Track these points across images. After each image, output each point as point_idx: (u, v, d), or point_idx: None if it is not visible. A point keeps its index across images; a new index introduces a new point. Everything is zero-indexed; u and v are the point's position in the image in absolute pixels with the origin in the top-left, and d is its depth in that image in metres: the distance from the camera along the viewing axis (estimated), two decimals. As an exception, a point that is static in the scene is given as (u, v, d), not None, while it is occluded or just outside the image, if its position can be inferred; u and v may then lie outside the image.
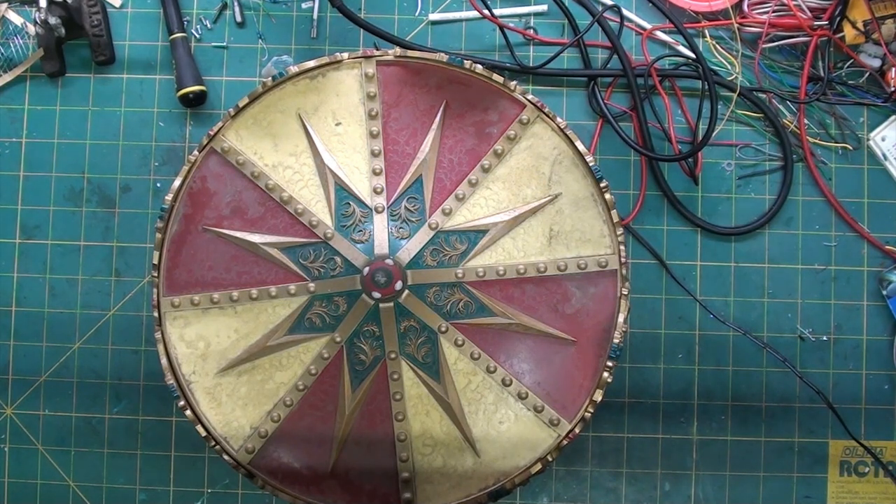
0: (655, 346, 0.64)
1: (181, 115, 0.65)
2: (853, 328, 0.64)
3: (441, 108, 0.59)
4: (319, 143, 0.58)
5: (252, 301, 0.58)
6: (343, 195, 0.58)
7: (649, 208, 0.65)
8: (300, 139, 0.59)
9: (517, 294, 0.58)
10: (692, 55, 0.63)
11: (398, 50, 0.60)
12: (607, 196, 0.58)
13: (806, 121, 0.64)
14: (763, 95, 0.64)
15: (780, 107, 0.65)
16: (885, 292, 0.64)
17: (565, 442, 0.57)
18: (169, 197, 0.58)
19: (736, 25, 0.63)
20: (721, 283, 0.64)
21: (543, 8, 0.65)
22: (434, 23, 0.66)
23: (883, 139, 0.64)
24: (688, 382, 0.64)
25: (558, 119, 0.58)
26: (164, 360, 0.58)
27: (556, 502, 0.65)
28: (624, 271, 0.57)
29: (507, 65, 0.64)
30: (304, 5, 0.66)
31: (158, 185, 0.65)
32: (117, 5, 0.66)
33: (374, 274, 0.56)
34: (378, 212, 0.58)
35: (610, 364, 0.57)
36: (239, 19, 0.65)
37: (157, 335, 0.58)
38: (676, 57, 0.65)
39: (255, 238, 0.58)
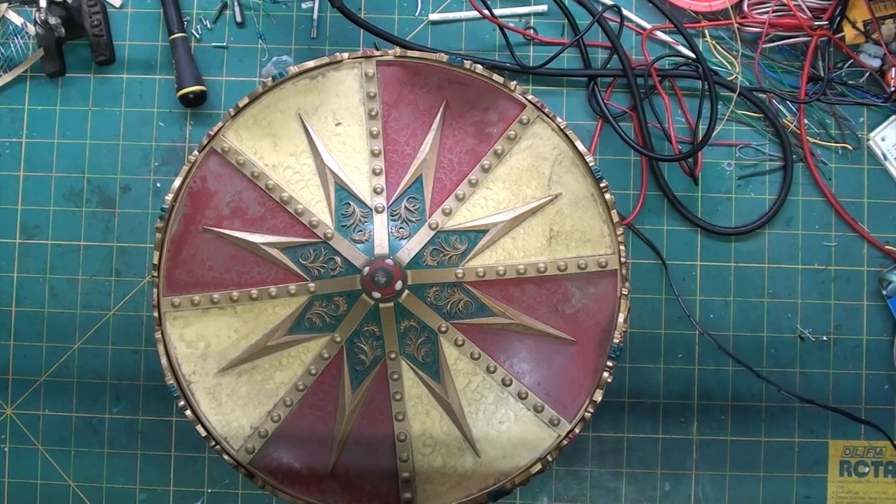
0: (655, 346, 0.64)
1: (181, 115, 0.65)
2: (853, 328, 0.64)
3: (441, 108, 0.59)
4: (319, 143, 0.58)
5: (252, 301, 0.58)
6: (343, 195, 0.58)
7: (649, 208, 0.65)
8: (300, 139, 0.59)
9: (517, 294, 0.58)
10: (692, 55, 0.63)
11: (398, 50, 0.60)
12: (607, 196, 0.58)
13: (806, 121, 0.64)
14: (763, 95, 0.64)
15: (780, 107, 0.65)
16: (885, 292, 0.64)
17: (565, 442, 0.57)
18: (169, 197, 0.58)
19: (736, 25, 0.63)
20: (721, 283, 0.64)
21: (543, 8, 0.65)
22: (434, 23, 0.66)
23: (883, 139, 0.64)
24: (688, 382, 0.64)
25: (558, 119, 0.58)
26: (164, 360, 0.58)
27: (556, 502, 0.65)
28: (624, 271, 0.57)
29: (507, 65, 0.64)
30: (304, 5, 0.66)
31: (158, 185, 0.65)
32: (117, 5, 0.66)
33: (374, 274, 0.56)
34: (378, 212, 0.58)
35: (610, 364, 0.57)
36: (239, 19, 0.65)
37: (157, 335, 0.58)
38: (676, 57, 0.65)
39: (255, 238, 0.58)
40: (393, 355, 0.57)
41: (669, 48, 0.65)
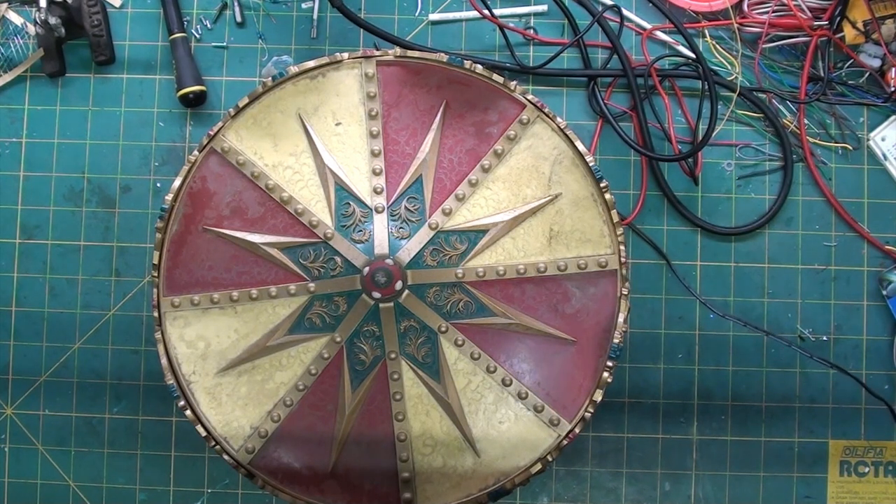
0: (655, 346, 0.64)
1: (181, 115, 0.65)
2: (853, 328, 0.64)
3: (441, 108, 0.59)
4: (319, 143, 0.58)
5: (252, 301, 0.58)
6: (343, 195, 0.58)
7: (649, 208, 0.65)
8: (300, 139, 0.59)
9: (517, 294, 0.58)
10: (692, 55, 0.63)
11: (398, 50, 0.60)
12: (607, 196, 0.58)
13: (806, 121, 0.64)
14: (763, 95, 0.64)
15: (780, 107, 0.65)
16: (885, 292, 0.64)
17: (565, 442, 0.57)
18: (169, 197, 0.58)
19: (736, 25, 0.63)
20: (721, 283, 0.64)
21: (543, 8, 0.65)
22: (434, 23, 0.66)
23: (883, 139, 0.64)
24: (688, 382, 0.64)
25: (558, 119, 0.58)
26: (164, 360, 0.58)
27: (556, 502, 0.65)
28: (624, 271, 0.57)
29: (507, 65, 0.64)
30: (304, 5, 0.66)
31: (158, 185, 0.65)
32: (117, 5, 0.66)
33: (374, 274, 0.56)
34: (378, 212, 0.58)
35: (610, 364, 0.57)
36: (239, 19, 0.65)
37: (157, 335, 0.58)
38: (676, 57, 0.65)
39: (255, 238, 0.58)
40: (393, 355, 0.57)
41: (669, 48, 0.65)
